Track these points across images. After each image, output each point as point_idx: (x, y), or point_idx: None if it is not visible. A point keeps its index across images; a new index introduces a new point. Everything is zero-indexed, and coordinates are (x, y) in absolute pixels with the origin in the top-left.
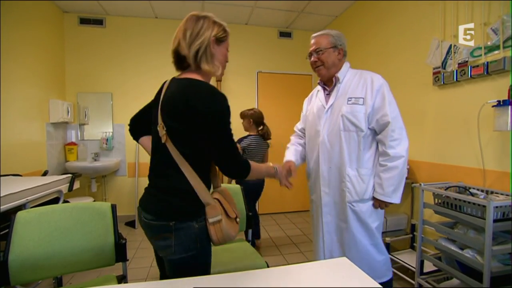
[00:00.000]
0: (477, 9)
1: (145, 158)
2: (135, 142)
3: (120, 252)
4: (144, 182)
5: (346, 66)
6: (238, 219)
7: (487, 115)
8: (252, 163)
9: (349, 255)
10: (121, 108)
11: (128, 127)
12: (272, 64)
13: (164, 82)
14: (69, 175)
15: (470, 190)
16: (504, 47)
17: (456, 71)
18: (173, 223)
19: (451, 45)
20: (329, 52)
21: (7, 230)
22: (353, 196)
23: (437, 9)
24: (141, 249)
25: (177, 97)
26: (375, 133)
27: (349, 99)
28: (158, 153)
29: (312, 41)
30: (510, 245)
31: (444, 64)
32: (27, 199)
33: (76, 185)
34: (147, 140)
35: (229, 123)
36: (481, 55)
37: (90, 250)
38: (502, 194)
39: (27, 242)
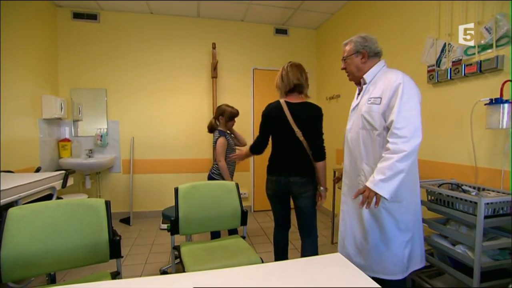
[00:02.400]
0: (472, 8)
1: (140, 155)
2: (130, 138)
3: (114, 248)
4: (139, 178)
5: (378, 66)
6: None
7: (480, 113)
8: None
9: (359, 246)
10: (116, 104)
11: (122, 124)
12: (268, 61)
13: (279, 106)
14: (63, 171)
15: (463, 187)
16: (497, 46)
17: (450, 69)
18: (310, 178)
19: (445, 44)
20: (351, 58)
21: None
22: None
23: (432, 8)
24: (136, 246)
25: (306, 114)
26: None
27: (369, 99)
28: (295, 148)
29: (342, 49)
30: (500, 241)
31: (438, 62)
32: (19, 196)
33: (70, 181)
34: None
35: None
36: (474, 53)
37: (84, 247)
38: (493, 191)
39: (20, 239)
